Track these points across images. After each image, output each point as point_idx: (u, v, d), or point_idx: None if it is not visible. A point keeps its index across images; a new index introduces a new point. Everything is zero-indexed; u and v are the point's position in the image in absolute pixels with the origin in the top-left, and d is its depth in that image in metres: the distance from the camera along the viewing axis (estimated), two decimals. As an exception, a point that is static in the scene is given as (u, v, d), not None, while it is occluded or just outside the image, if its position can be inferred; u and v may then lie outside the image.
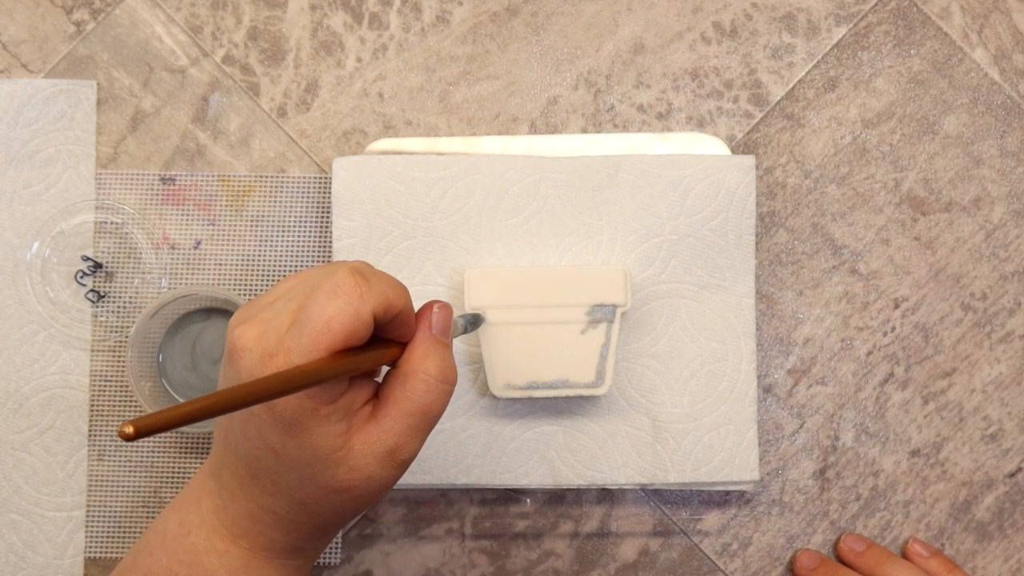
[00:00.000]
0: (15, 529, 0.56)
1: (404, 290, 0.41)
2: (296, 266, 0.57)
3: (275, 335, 0.38)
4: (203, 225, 0.57)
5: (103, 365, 0.57)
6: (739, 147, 0.58)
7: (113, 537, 0.57)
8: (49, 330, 0.57)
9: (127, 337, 0.56)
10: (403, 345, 0.42)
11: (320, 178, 0.57)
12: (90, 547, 0.56)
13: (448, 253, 0.55)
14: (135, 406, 0.57)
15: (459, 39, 0.58)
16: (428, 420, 0.41)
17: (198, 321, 0.56)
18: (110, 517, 0.57)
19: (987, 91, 0.58)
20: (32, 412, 0.56)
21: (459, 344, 0.55)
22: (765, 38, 0.58)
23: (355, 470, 0.40)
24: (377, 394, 0.42)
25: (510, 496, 0.57)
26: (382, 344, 0.41)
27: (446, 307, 0.43)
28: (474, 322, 0.51)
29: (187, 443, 0.57)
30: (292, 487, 0.40)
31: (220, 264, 0.57)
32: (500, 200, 0.55)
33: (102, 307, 0.57)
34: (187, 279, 0.57)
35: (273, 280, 0.57)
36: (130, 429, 0.29)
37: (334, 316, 0.38)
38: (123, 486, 0.57)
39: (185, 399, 0.56)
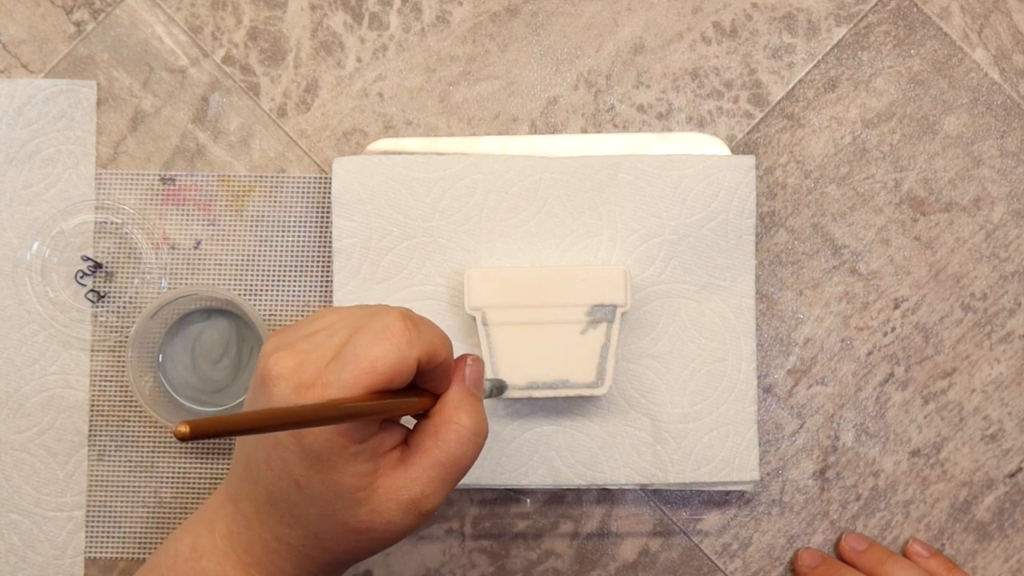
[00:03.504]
0: (15, 529, 0.56)
1: (449, 342, 0.41)
2: (296, 266, 0.57)
3: (314, 368, 0.38)
4: (203, 225, 0.57)
5: (103, 365, 0.57)
6: (739, 147, 0.58)
7: (113, 537, 0.57)
8: (49, 330, 0.57)
9: (127, 337, 0.56)
10: (436, 396, 0.42)
11: (320, 178, 0.57)
12: (90, 547, 0.56)
13: (448, 253, 0.55)
14: (135, 406, 0.57)
15: (459, 39, 0.58)
16: (456, 472, 0.41)
17: (198, 321, 0.56)
18: (110, 517, 0.57)
19: (987, 91, 0.58)
20: (32, 412, 0.56)
21: (459, 344, 0.55)
22: (765, 38, 0.58)
23: (376, 513, 0.40)
24: (407, 441, 0.42)
25: (510, 496, 0.57)
26: (416, 392, 0.41)
27: (479, 361, 0.43)
28: (499, 388, 0.51)
29: (187, 443, 0.57)
30: (310, 521, 0.40)
31: (220, 264, 0.57)
32: (500, 200, 0.55)
33: (102, 307, 0.57)
34: (187, 279, 0.57)
35: (273, 280, 0.57)
36: (185, 428, 0.29)
37: (380, 357, 0.38)
38: (123, 486, 0.57)
39: (185, 399, 0.56)
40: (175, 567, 0.43)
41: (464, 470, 0.41)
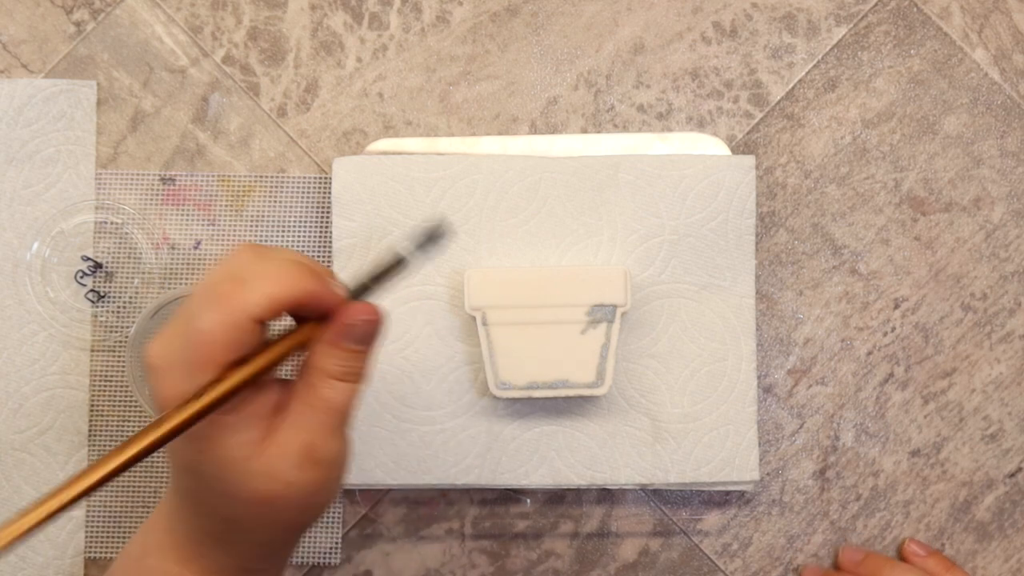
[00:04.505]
0: (15, 529, 0.56)
1: (301, 273, 0.37)
2: (296, 266, 0.57)
3: (169, 350, 0.36)
4: (203, 225, 0.57)
5: (103, 365, 0.57)
6: (739, 147, 0.58)
7: (113, 537, 0.57)
8: (49, 330, 0.57)
9: (127, 337, 0.56)
10: (318, 323, 0.39)
11: (320, 178, 0.57)
12: (90, 547, 0.56)
13: (448, 253, 0.55)
14: (135, 406, 0.57)
15: (459, 39, 0.58)
16: (338, 417, 0.39)
17: (198, 321, 0.56)
18: (110, 517, 0.57)
19: (987, 91, 0.58)
20: (32, 412, 0.56)
21: (459, 344, 0.55)
22: (765, 38, 0.58)
23: (272, 477, 0.37)
24: (291, 392, 0.39)
25: (510, 496, 0.57)
26: (289, 335, 0.39)
27: (369, 322, 0.39)
28: (432, 237, 0.42)
29: (187, 443, 0.57)
30: (216, 505, 0.39)
31: (220, 264, 0.57)
32: (500, 200, 0.55)
33: (102, 307, 0.57)
34: (187, 279, 0.57)
35: (273, 280, 0.57)
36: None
37: (210, 329, 0.35)
38: (123, 486, 0.57)
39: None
40: (126, 568, 0.41)
41: (346, 414, 0.39)
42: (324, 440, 0.38)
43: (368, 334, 0.39)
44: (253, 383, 0.37)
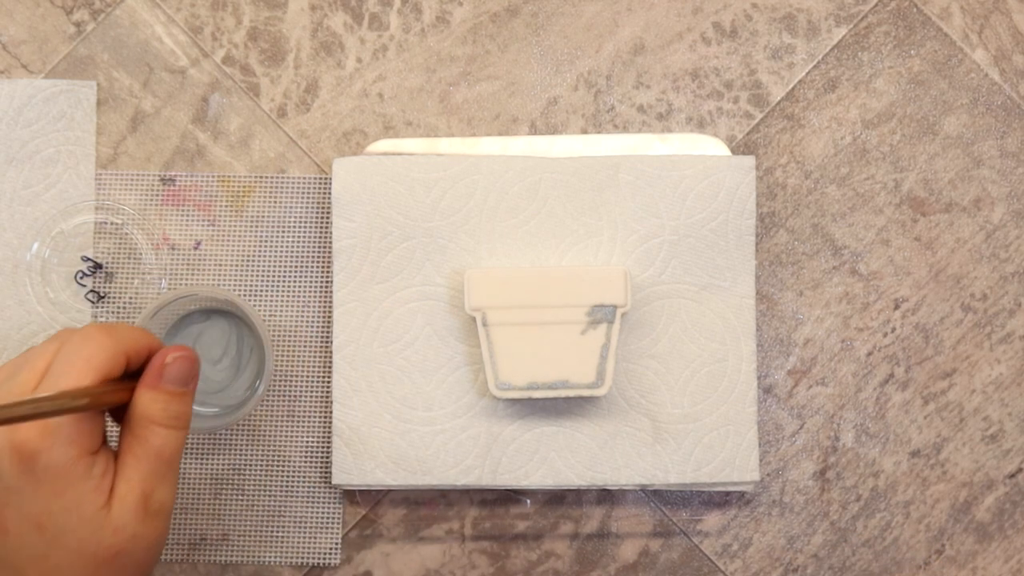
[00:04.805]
0: (15, 530, 0.56)
1: (149, 337, 0.42)
2: (296, 266, 0.57)
3: (20, 397, 0.38)
4: (203, 225, 0.57)
5: (103, 365, 0.57)
6: (739, 148, 0.58)
7: None
8: (49, 331, 0.57)
9: (127, 337, 0.56)
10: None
11: (320, 178, 0.57)
12: None
13: (448, 253, 0.55)
14: (135, 406, 0.57)
15: (459, 40, 0.58)
16: (167, 464, 0.41)
17: (198, 322, 0.56)
18: None
19: (987, 92, 0.58)
20: (32, 412, 0.56)
21: (459, 344, 0.55)
22: (765, 39, 0.58)
23: (118, 531, 0.39)
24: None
25: (510, 497, 0.57)
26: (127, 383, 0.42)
27: (182, 359, 0.42)
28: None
29: (187, 444, 0.57)
30: (63, 569, 0.38)
31: (220, 264, 0.57)
32: (500, 201, 0.55)
33: (102, 308, 0.57)
34: (187, 279, 0.57)
35: (273, 280, 0.57)
36: None
37: (93, 354, 0.39)
38: None
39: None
40: None
41: (170, 460, 0.41)
42: (156, 487, 0.40)
43: (185, 373, 0.42)
44: (105, 405, 0.40)
